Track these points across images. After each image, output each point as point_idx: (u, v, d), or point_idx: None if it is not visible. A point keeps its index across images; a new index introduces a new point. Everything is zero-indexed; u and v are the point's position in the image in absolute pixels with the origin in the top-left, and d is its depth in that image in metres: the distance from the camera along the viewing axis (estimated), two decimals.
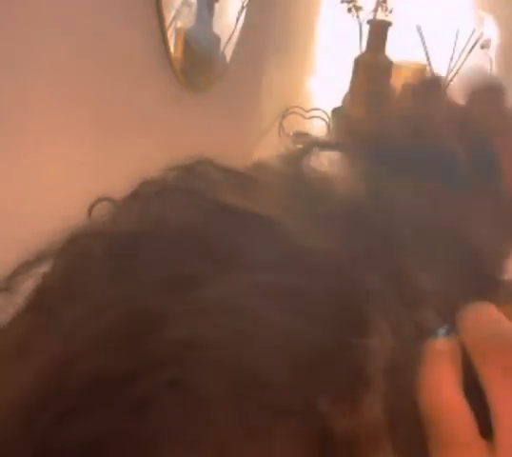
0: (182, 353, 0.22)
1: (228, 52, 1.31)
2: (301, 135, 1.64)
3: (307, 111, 1.77)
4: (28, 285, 0.27)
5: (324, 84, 2.34)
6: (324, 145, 0.32)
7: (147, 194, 0.29)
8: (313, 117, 1.76)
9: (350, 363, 0.22)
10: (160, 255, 0.24)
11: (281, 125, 1.69)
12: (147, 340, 0.22)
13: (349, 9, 2.00)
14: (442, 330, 0.25)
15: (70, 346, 0.23)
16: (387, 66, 1.81)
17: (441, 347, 0.24)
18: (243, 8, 1.35)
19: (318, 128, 1.75)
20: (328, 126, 1.77)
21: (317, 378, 0.22)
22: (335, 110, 1.87)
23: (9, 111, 0.64)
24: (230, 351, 0.22)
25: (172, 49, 1.02)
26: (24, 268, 0.28)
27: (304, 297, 0.23)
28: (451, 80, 1.97)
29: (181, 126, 1.16)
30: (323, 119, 1.76)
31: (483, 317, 0.24)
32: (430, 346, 0.24)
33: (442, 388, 0.23)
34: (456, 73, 1.96)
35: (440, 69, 1.99)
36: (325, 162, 0.31)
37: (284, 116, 1.71)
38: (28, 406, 0.22)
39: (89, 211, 0.30)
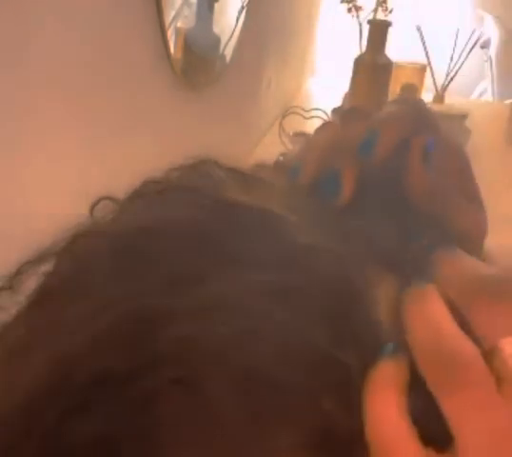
0: (186, 351, 0.22)
1: (228, 52, 1.31)
2: (301, 135, 1.64)
3: (307, 111, 1.77)
4: (30, 284, 0.27)
5: (324, 84, 2.34)
6: None
7: (151, 193, 0.29)
8: (313, 117, 1.76)
9: (352, 363, 0.22)
10: (163, 253, 0.24)
11: (281, 125, 1.69)
12: (151, 338, 0.22)
13: (349, 10, 1.99)
14: (388, 348, 0.23)
15: (74, 344, 0.23)
16: (387, 66, 1.80)
17: (383, 372, 0.23)
18: (243, 8, 1.35)
19: None
20: None
21: (320, 378, 0.22)
22: (335, 110, 1.86)
23: (10, 112, 0.64)
24: (234, 350, 0.22)
25: (172, 49, 1.02)
26: (27, 266, 0.28)
27: (305, 296, 0.23)
28: (451, 80, 1.97)
29: (181, 126, 1.16)
30: (323, 119, 1.76)
31: (428, 322, 0.23)
32: (374, 371, 0.23)
33: (383, 420, 0.22)
34: (456, 73, 1.96)
35: (440, 69, 1.99)
36: None
37: (284, 116, 1.71)
38: (32, 405, 0.22)
39: (91, 210, 0.30)
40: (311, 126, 1.75)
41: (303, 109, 1.77)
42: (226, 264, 0.24)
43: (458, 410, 0.21)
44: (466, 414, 0.21)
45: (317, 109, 1.77)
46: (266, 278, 0.23)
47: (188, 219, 0.26)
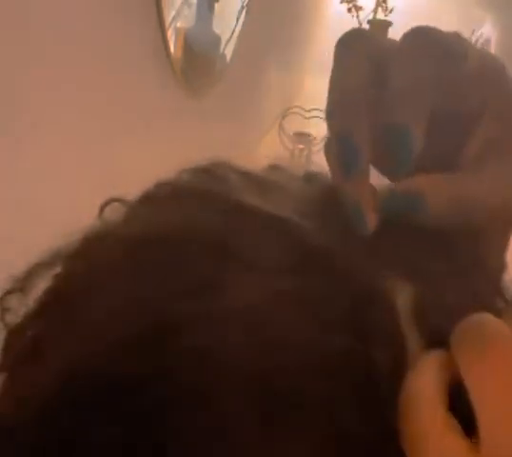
0: (200, 359, 0.21)
1: (228, 52, 1.31)
2: (301, 135, 1.64)
3: (307, 111, 1.78)
4: (38, 286, 0.27)
5: (325, 84, 2.34)
6: None
7: (163, 196, 0.28)
8: (313, 117, 1.76)
9: (368, 372, 0.22)
10: (180, 259, 0.24)
11: (281, 125, 1.69)
12: (165, 345, 0.22)
13: (349, 10, 2.00)
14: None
15: (87, 348, 0.22)
16: None
17: (426, 356, 0.22)
18: (243, 7, 1.35)
19: (318, 128, 1.75)
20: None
21: (336, 386, 0.22)
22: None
23: (9, 113, 0.64)
24: (249, 358, 0.21)
25: (172, 49, 1.03)
26: (37, 269, 0.28)
27: (323, 304, 0.23)
28: None
29: (181, 126, 1.16)
30: (323, 119, 1.76)
31: (474, 322, 0.22)
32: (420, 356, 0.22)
33: (418, 390, 0.21)
34: None
35: None
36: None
37: (284, 116, 1.71)
38: (44, 407, 0.22)
39: (100, 212, 0.30)
40: (311, 126, 1.75)
41: (303, 109, 1.77)
42: (242, 270, 0.24)
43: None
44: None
45: (317, 109, 1.77)
46: (284, 285, 0.23)
47: (204, 224, 0.25)
